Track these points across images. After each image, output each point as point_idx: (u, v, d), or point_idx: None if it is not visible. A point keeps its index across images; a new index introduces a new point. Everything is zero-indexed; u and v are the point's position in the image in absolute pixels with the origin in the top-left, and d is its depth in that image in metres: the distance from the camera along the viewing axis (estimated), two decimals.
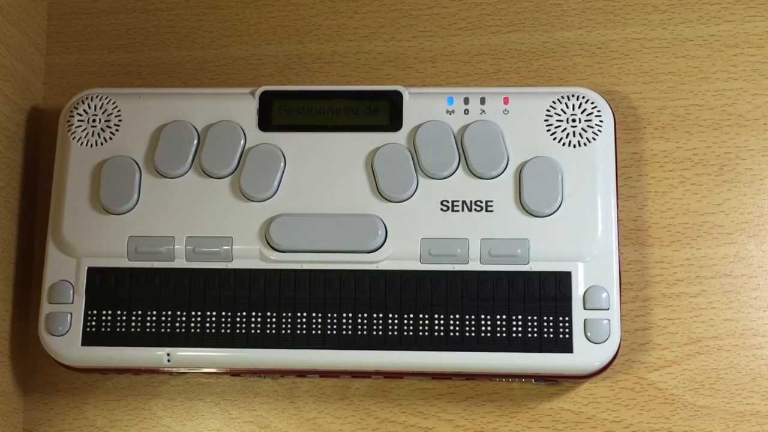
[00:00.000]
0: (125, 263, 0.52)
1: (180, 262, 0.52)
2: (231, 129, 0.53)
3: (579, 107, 0.52)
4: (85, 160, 0.53)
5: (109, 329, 0.52)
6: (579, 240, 0.51)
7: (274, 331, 0.51)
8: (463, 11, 0.59)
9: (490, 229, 0.51)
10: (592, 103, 0.52)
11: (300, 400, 0.55)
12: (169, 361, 0.51)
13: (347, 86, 0.54)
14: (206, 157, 0.53)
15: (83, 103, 0.54)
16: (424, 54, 0.58)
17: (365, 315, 0.51)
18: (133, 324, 0.51)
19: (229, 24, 0.60)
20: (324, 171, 0.52)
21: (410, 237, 0.51)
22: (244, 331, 0.51)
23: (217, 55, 0.59)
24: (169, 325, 0.51)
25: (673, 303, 0.54)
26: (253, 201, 0.52)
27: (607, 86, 0.57)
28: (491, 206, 0.51)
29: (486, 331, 0.50)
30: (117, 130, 0.54)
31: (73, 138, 0.54)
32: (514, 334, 0.50)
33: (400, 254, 0.51)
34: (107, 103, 0.54)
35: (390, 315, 0.50)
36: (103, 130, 0.54)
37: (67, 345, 0.51)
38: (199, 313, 0.51)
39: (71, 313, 0.52)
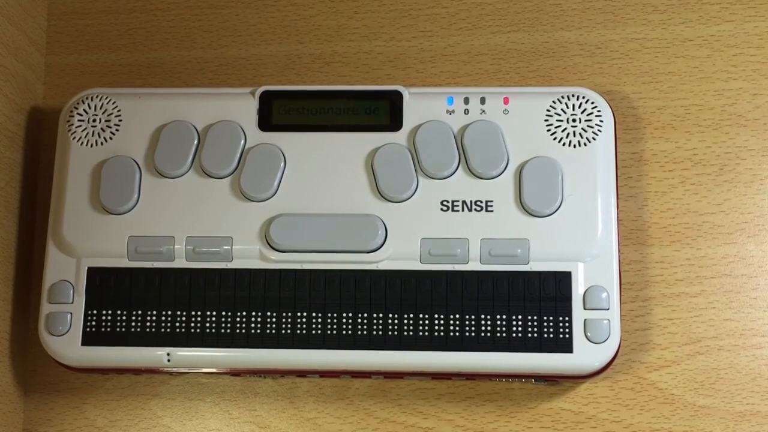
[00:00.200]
0: (125, 263, 0.52)
1: (180, 262, 0.52)
2: (231, 129, 0.53)
3: (579, 107, 0.52)
4: (85, 160, 0.53)
5: (109, 329, 0.52)
6: (579, 240, 0.51)
7: (274, 331, 0.51)
8: (463, 11, 0.59)
9: (490, 229, 0.51)
10: (592, 103, 0.52)
11: (300, 400, 0.55)
12: (169, 361, 0.51)
13: (347, 86, 0.54)
14: (206, 157, 0.53)
15: (83, 103, 0.54)
16: (424, 54, 0.58)
17: (365, 315, 0.51)
18: (133, 324, 0.51)
19: (229, 24, 0.60)
20: (324, 171, 0.52)
21: (410, 237, 0.51)
22: (244, 331, 0.51)
23: (217, 55, 0.59)
24: (169, 325, 0.51)
25: (673, 303, 0.54)
26: (253, 201, 0.52)
27: (607, 86, 0.57)
28: (491, 206, 0.51)
29: (486, 331, 0.50)
30: (117, 130, 0.54)
31: (73, 138, 0.54)
32: (514, 334, 0.50)
33: (400, 254, 0.51)
34: (107, 103, 0.54)
35: (390, 315, 0.50)
36: (103, 130, 0.54)
37: (67, 345, 0.51)
38: (199, 313, 0.51)
39: (71, 313, 0.52)
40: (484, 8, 0.58)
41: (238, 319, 0.51)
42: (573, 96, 0.53)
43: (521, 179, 0.51)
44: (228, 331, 0.51)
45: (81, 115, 0.54)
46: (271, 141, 0.53)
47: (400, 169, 0.52)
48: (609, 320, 0.50)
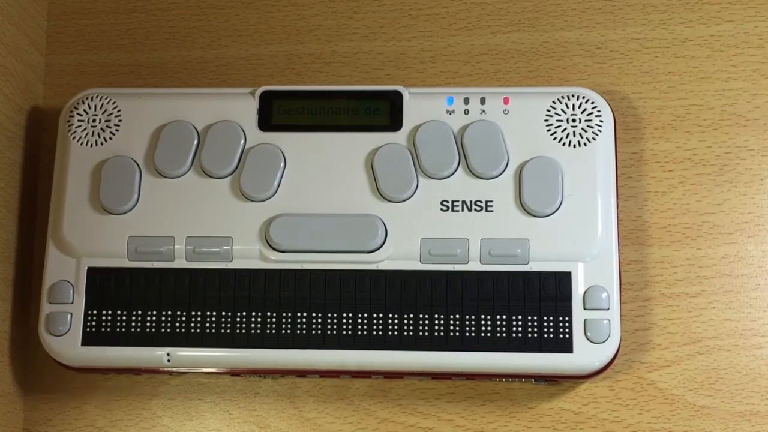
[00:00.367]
0: (125, 263, 0.52)
1: (180, 262, 0.52)
2: (231, 129, 0.53)
3: (579, 107, 0.52)
4: (85, 160, 0.53)
5: (109, 329, 0.52)
6: (579, 240, 0.51)
7: (274, 331, 0.51)
8: (463, 11, 0.59)
9: (490, 229, 0.51)
10: (592, 103, 0.52)
11: (300, 400, 0.55)
12: (169, 361, 0.51)
13: (347, 86, 0.54)
14: (206, 157, 0.53)
15: (83, 103, 0.54)
16: (424, 54, 0.58)
17: (365, 315, 0.51)
18: (133, 324, 0.51)
19: (229, 24, 0.60)
20: (324, 171, 0.52)
21: (410, 237, 0.51)
22: (244, 331, 0.51)
23: (217, 55, 0.59)
24: (169, 325, 0.51)
25: (673, 303, 0.54)
26: (253, 201, 0.52)
27: (607, 86, 0.57)
28: (491, 206, 0.51)
29: (486, 331, 0.50)
30: (117, 130, 0.54)
31: (73, 138, 0.54)
32: (514, 334, 0.50)
33: (400, 254, 0.51)
34: (107, 103, 0.54)
35: (390, 315, 0.50)
36: (103, 130, 0.54)
37: (67, 345, 0.51)
38: (199, 313, 0.51)
39: (71, 313, 0.52)
40: (484, 8, 0.58)
41: (238, 319, 0.51)
42: (573, 96, 0.53)
43: (521, 179, 0.51)
44: (228, 331, 0.51)
45: (81, 115, 0.54)
46: (271, 141, 0.53)
47: (400, 169, 0.52)
48: (609, 320, 0.50)
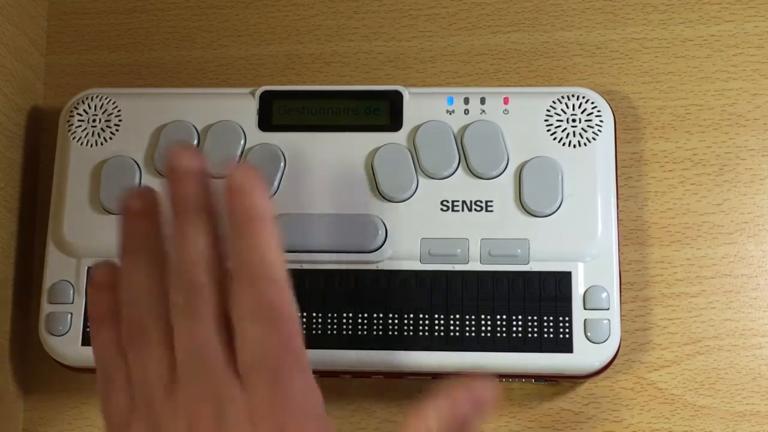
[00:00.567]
0: None
1: None
2: (231, 129, 0.53)
3: (579, 107, 0.52)
4: (85, 160, 0.53)
5: None
6: (579, 240, 0.51)
7: None
8: (463, 11, 0.59)
9: (490, 229, 0.51)
10: (592, 103, 0.52)
11: None
12: None
13: (347, 86, 0.54)
14: (206, 157, 0.53)
15: (83, 103, 0.54)
16: (424, 54, 0.58)
17: (365, 315, 0.51)
18: None
19: (229, 24, 0.60)
20: (324, 171, 0.52)
21: (410, 237, 0.51)
22: None
23: (217, 55, 0.59)
24: None
25: (673, 303, 0.54)
26: None
27: (607, 86, 0.57)
28: (491, 206, 0.51)
29: (486, 331, 0.50)
30: (117, 130, 0.54)
31: (73, 138, 0.54)
32: (514, 334, 0.50)
33: (400, 254, 0.51)
34: (107, 103, 0.54)
35: (390, 315, 0.50)
36: (103, 130, 0.54)
37: (67, 345, 0.51)
38: None
39: (71, 313, 0.52)
40: (484, 8, 0.58)
41: None
42: (573, 96, 0.53)
43: (521, 179, 0.51)
44: None
45: (81, 115, 0.54)
46: (271, 141, 0.53)
47: (400, 169, 0.52)
48: (609, 320, 0.50)
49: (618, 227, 0.51)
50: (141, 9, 0.60)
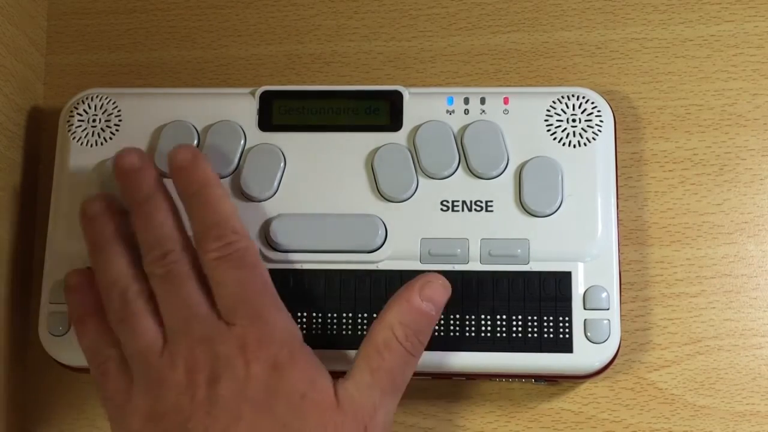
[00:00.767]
0: None
1: None
2: (231, 129, 0.53)
3: (579, 107, 0.52)
4: (85, 160, 0.53)
5: None
6: (579, 240, 0.51)
7: None
8: (463, 11, 0.59)
9: (490, 229, 0.51)
10: (592, 103, 0.52)
11: None
12: None
13: (347, 86, 0.54)
14: (206, 157, 0.53)
15: (83, 103, 0.54)
16: (424, 54, 0.58)
17: (365, 315, 0.51)
18: None
19: (229, 24, 0.60)
20: (324, 171, 0.52)
21: (410, 237, 0.51)
22: None
23: (217, 55, 0.59)
24: None
25: (673, 303, 0.54)
26: (253, 201, 0.52)
27: (607, 86, 0.57)
28: (491, 206, 0.51)
29: (486, 331, 0.50)
30: (117, 130, 0.54)
31: (73, 138, 0.54)
32: (514, 334, 0.50)
33: (400, 254, 0.51)
34: (107, 103, 0.54)
35: None
36: (103, 130, 0.54)
37: (67, 345, 0.51)
38: None
39: None
40: (484, 8, 0.59)
41: None
42: (573, 96, 0.53)
43: (521, 179, 0.51)
44: None
45: (81, 115, 0.54)
46: (271, 141, 0.53)
47: (400, 169, 0.52)
48: (609, 320, 0.50)
49: (618, 227, 0.51)
50: (141, 9, 0.60)
